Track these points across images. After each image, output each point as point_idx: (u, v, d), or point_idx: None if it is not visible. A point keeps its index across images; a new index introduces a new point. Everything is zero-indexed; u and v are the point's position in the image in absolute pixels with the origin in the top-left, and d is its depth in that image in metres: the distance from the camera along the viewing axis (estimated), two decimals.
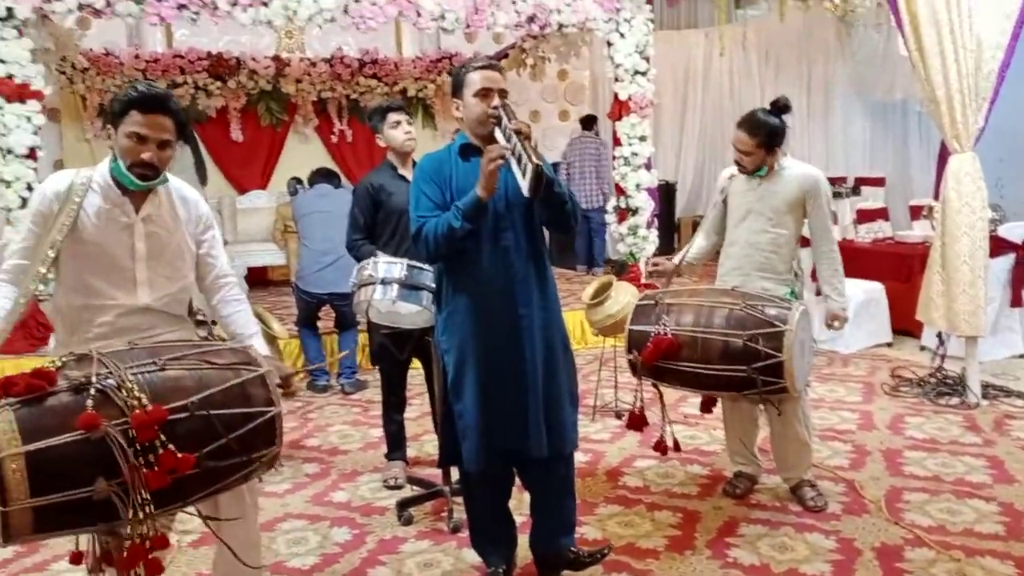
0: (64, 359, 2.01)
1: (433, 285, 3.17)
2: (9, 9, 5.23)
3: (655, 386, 3.20)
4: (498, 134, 2.49)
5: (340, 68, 8.24)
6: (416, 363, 3.82)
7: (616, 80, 6.82)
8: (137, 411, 1.89)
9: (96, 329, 2.33)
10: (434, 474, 3.66)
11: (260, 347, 2.52)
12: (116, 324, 2.32)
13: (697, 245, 3.58)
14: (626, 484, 3.67)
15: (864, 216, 7.25)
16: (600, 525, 3.24)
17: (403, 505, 3.40)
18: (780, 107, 3.25)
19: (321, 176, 5.60)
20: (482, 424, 2.57)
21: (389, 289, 3.20)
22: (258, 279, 7.41)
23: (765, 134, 3.21)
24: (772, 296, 3.13)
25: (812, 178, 3.32)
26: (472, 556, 2.94)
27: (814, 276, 3.88)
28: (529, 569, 2.88)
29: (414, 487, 3.63)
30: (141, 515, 1.88)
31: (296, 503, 3.59)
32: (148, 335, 2.34)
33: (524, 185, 2.37)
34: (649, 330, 3.05)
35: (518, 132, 2.39)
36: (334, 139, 8.51)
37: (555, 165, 7.66)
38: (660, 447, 3.26)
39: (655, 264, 3.54)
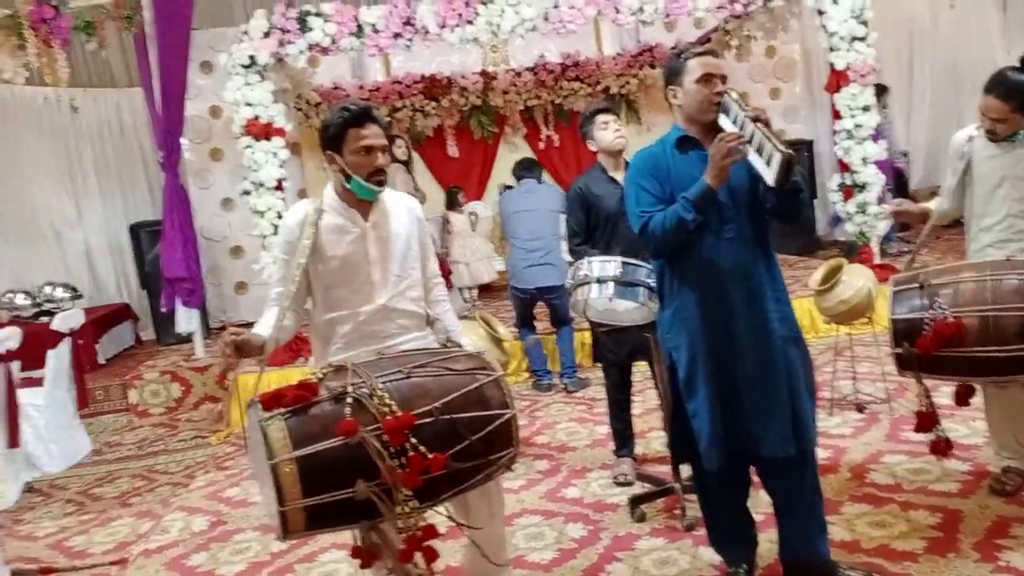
0: (324, 371, 2.23)
1: (649, 281, 3.17)
2: (251, 57, 5.87)
3: (917, 379, 2.87)
4: (723, 121, 2.43)
5: (544, 75, 8.40)
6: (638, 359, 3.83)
7: (831, 50, 6.39)
8: (388, 417, 2.05)
9: (343, 339, 2.55)
10: (664, 471, 3.64)
11: (467, 342, 2.68)
12: (359, 331, 2.53)
13: (941, 205, 3.25)
14: (874, 481, 3.43)
15: None
16: (847, 525, 3.06)
17: (635, 502, 3.41)
18: None
19: (524, 168, 5.66)
20: (719, 423, 2.51)
21: (605, 287, 3.23)
22: (482, 285, 7.75)
23: (1022, 97, 2.86)
24: None
25: None
26: (710, 555, 2.89)
27: None
28: (773, 570, 2.78)
29: (644, 484, 3.63)
30: (406, 510, 2.04)
31: (531, 499, 3.71)
32: (389, 343, 2.54)
33: (770, 175, 2.29)
34: (921, 316, 2.76)
35: (756, 119, 2.32)
36: (542, 145, 8.68)
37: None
38: (939, 448, 2.94)
39: (899, 203, 3.23)
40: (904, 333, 2.81)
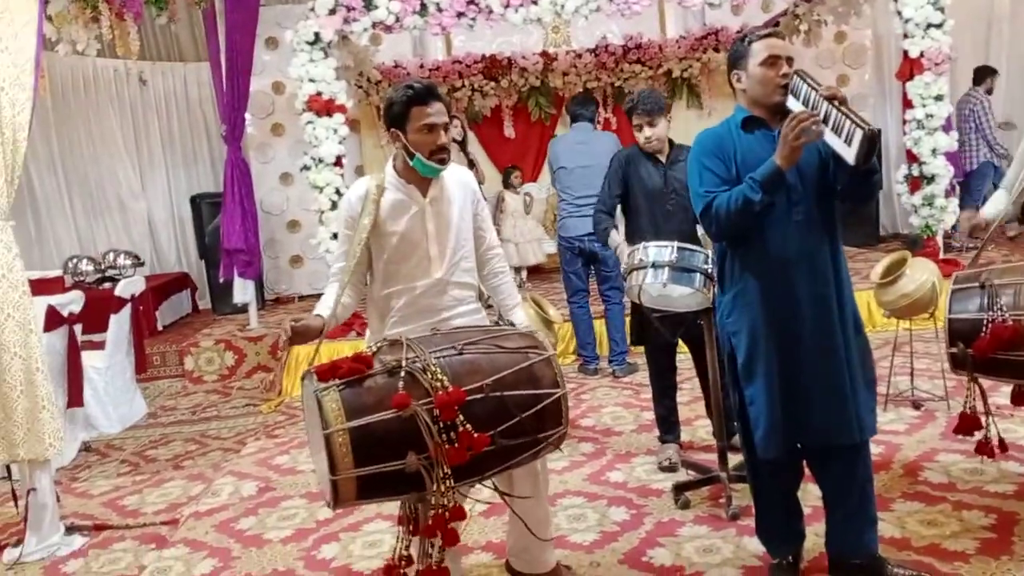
0: (379, 344, 2.26)
1: (705, 267, 3.12)
2: (316, 34, 5.93)
3: (974, 380, 2.80)
4: (792, 103, 2.37)
5: (605, 57, 8.31)
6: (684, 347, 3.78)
7: (905, 36, 6.18)
8: (440, 392, 2.07)
9: (399, 313, 2.58)
10: (710, 459, 3.59)
11: (523, 316, 2.72)
12: (415, 305, 2.56)
13: (1002, 203, 3.13)
14: (927, 479, 3.34)
15: None
16: (898, 522, 2.98)
17: (680, 489, 3.38)
18: None
19: (579, 104, 5.51)
20: (777, 410, 2.46)
21: (660, 272, 3.20)
22: (532, 267, 7.75)
23: None
24: None
25: None
26: (754, 545, 2.85)
27: None
28: (817, 564, 2.72)
29: (689, 471, 3.59)
30: (443, 488, 2.06)
31: (574, 480, 3.70)
32: (444, 315, 2.56)
33: (851, 154, 2.22)
34: (979, 317, 2.69)
35: (832, 98, 2.26)
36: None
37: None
38: (985, 449, 2.88)
39: (968, 218, 3.13)
40: (961, 333, 2.74)
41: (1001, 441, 2.88)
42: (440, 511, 2.09)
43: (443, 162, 2.51)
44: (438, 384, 2.09)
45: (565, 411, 2.26)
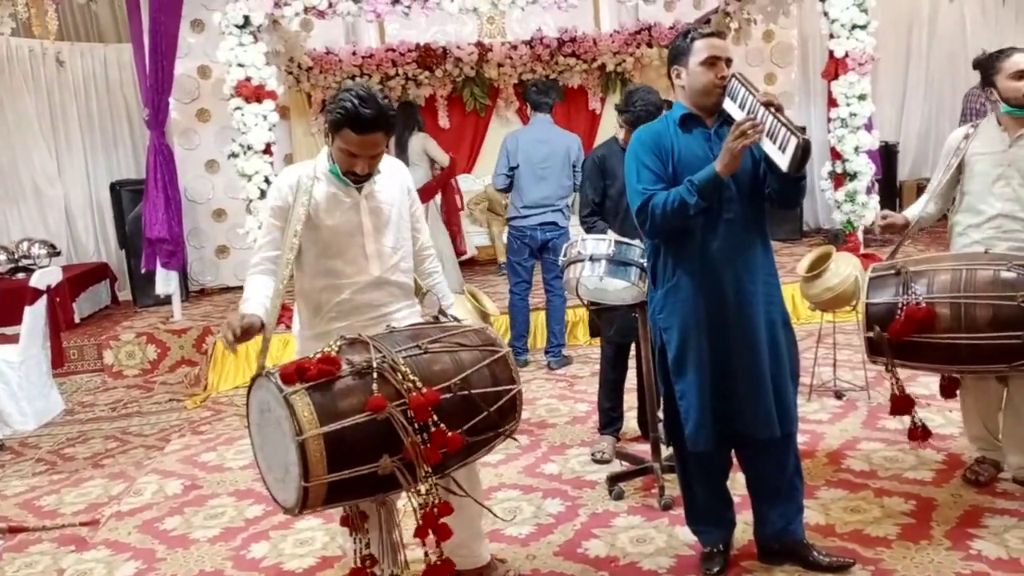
0: (339, 344, 2.19)
1: (642, 261, 3.15)
2: (246, 17, 5.73)
3: (889, 367, 2.88)
4: (728, 105, 2.41)
5: (540, 49, 8.31)
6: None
7: (831, 37, 6.36)
8: (414, 394, 2.05)
9: (336, 308, 2.51)
10: (643, 450, 3.64)
11: (463, 313, 2.74)
12: (353, 301, 2.51)
13: (924, 207, 3.26)
14: (850, 467, 3.45)
15: None
16: (823, 509, 3.07)
17: (614, 480, 3.41)
18: None
19: (540, 92, 5.35)
20: (707, 404, 2.51)
21: (597, 266, 3.22)
22: (464, 260, 7.70)
23: None
24: None
25: None
26: (685, 534, 2.90)
27: None
28: (746, 551, 2.79)
29: (623, 462, 3.63)
30: (427, 487, 2.07)
31: (509, 474, 3.70)
32: (382, 311, 2.51)
33: (784, 161, 2.27)
34: (895, 301, 2.78)
35: (769, 104, 2.29)
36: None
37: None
38: (916, 435, 2.96)
39: (884, 216, 3.24)
40: (878, 317, 2.83)
41: (925, 427, 2.98)
42: (429, 509, 2.10)
43: (357, 182, 2.46)
44: (410, 385, 2.07)
45: (519, 405, 2.32)
